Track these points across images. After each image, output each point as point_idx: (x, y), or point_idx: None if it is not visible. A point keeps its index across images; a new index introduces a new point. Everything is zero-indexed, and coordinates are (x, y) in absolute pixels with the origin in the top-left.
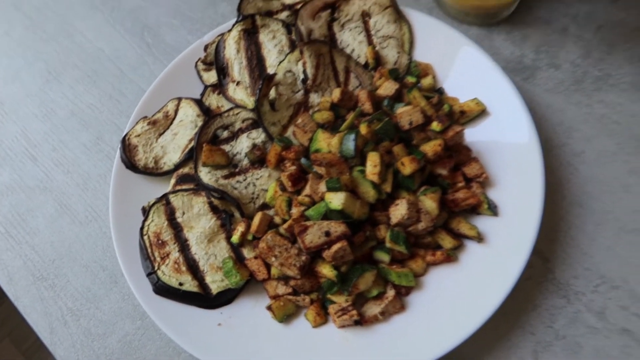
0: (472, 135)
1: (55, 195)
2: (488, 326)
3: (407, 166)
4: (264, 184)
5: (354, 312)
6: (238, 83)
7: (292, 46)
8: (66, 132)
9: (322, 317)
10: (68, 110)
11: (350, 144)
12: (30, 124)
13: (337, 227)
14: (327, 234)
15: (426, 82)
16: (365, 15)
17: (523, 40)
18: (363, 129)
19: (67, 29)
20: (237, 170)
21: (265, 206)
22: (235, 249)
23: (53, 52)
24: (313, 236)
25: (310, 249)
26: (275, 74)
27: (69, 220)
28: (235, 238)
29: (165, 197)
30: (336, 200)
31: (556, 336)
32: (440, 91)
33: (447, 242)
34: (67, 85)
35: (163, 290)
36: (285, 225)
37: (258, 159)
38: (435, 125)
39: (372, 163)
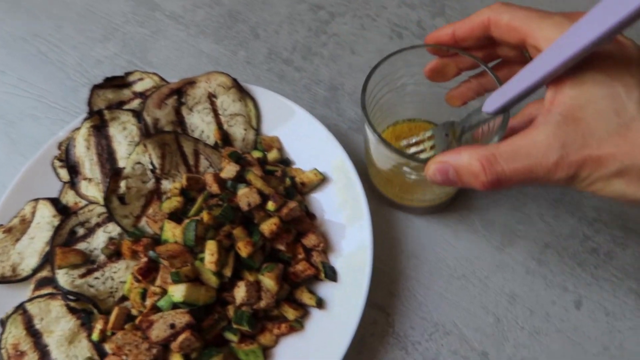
0: (317, 200)
1: None
2: None
3: (242, 250)
4: (121, 276)
5: None
6: (90, 180)
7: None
8: None
9: None
10: None
11: (191, 234)
12: None
13: (181, 319)
14: (172, 326)
15: (271, 155)
16: (212, 97)
17: None
18: (205, 216)
19: None
20: (95, 266)
21: (124, 298)
22: (97, 346)
23: None
24: (159, 330)
25: (157, 342)
26: (122, 169)
27: None
28: (94, 336)
29: (21, 306)
30: (178, 292)
31: None
32: (286, 162)
33: (290, 313)
34: None
35: None
36: (137, 320)
37: (114, 253)
38: (270, 205)
39: (210, 252)
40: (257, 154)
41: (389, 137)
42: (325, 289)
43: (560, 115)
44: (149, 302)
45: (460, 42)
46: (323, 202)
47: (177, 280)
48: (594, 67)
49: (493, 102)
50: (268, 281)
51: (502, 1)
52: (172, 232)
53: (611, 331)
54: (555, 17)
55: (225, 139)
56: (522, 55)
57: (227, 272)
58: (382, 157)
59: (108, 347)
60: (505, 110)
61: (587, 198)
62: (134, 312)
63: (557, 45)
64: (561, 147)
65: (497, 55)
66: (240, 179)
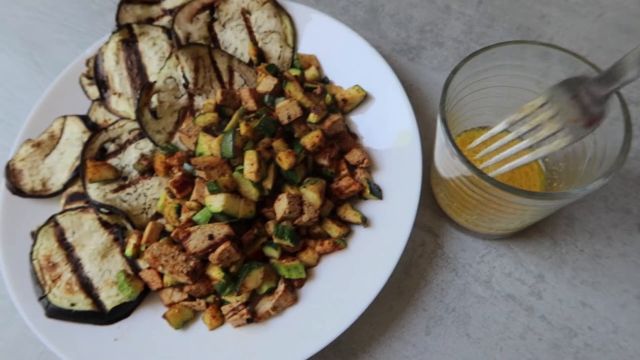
0: (359, 120)
1: None
2: (384, 306)
3: (284, 161)
4: (155, 193)
5: (244, 310)
6: (120, 95)
7: None
8: None
9: (219, 319)
10: None
11: (228, 145)
12: None
13: (220, 230)
14: (211, 237)
15: (309, 73)
16: (245, 13)
17: (408, 21)
18: (242, 128)
19: None
20: (127, 182)
21: (158, 215)
22: (131, 262)
23: None
24: (197, 241)
25: (195, 254)
26: (154, 82)
27: None
28: (128, 251)
29: (53, 218)
30: (216, 202)
31: (446, 309)
32: (325, 81)
33: (334, 230)
34: None
35: (55, 313)
36: (173, 233)
37: (147, 169)
38: (312, 117)
39: (249, 162)
40: (294, 72)
41: (461, 145)
42: (370, 207)
43: None
44: (184, 217)
45: None
46: (366, 123)
47: (215, 190)
48: None
49: None
50: (311, 194)
51: None
52: (207, 144)
53: None
54: None
55: (260, 56)
56: None
57: (268, 185)
58: (447, 165)
59: (144, 259)
60: None
61: None
62: (169, 227)
63: None
64: None
65: None
66: (278, 93)
